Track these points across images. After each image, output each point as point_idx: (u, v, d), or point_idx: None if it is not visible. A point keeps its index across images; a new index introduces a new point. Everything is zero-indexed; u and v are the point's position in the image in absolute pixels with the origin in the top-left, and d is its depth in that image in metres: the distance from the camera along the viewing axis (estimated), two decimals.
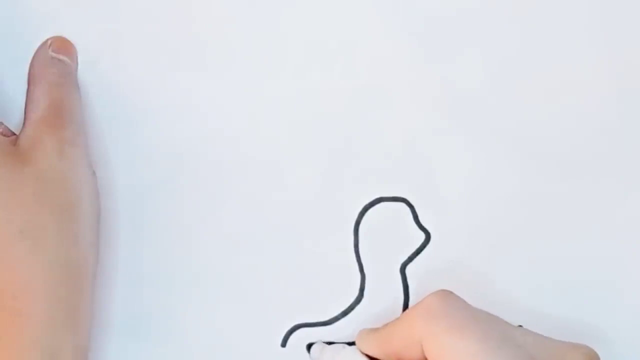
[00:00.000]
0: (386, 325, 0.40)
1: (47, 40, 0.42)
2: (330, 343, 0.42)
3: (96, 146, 0.42)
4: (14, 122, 0.41)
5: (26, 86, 0.41)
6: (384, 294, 0.43)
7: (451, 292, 0.39)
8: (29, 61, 0.41)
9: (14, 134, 0.40)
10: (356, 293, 0.43)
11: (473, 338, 0.37)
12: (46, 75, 0.41)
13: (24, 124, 0.40)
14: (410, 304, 0.43)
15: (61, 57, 0.42)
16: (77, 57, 0.43)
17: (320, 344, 0.42)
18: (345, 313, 0.43)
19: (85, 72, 0.43)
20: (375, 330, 0.41)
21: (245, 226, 0.43)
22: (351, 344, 0.42)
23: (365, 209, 0.43)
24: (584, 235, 0.43)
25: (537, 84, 0.43)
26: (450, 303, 0.38)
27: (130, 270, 0.42)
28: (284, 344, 0.42)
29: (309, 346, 0.42)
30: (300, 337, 0.42)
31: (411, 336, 0.38)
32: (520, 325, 0.40)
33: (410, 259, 0.43)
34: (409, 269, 0.43)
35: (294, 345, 0.42)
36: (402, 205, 0.43)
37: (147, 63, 0.43)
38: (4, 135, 0.40)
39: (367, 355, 0.40)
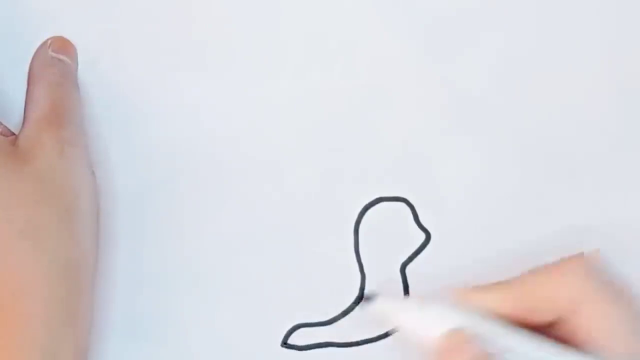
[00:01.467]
0: (521, 278, 0.37)
1: (47, 40, 0.42)
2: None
3: (96, 146, 0.42)
4: (13, 122, 0.41)
5: (26, 86, 0.41)
6: (384, 294, 0.43)
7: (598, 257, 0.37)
8: (29, 61, 0.41)
9: (14, 134, 0.40)
10: (356, 293, 0.43)
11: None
12: (46, 75, 0.41)
13: (23, 123, 0.40)
14: None
15: (61, 57, 0.42)
16: (77, 57, 0.43)
17: (386, 298, 0.39)
18: (345, 313, 0.43)
19: (85, 72, 0.43)
20: (498, 283, 0.37)
21: (245, 226, 0.43)
22: (350, 344, 0.42)
23: (365, 209, 0.43)
24: (583, 235, 0.43)
25: (538, 84, 0.43)
26: (603, 271, 0.36)
27: (130, 270, 0.42)
28: (284, 344, 0.42)
29: (366, 298, 0.40)
30: (300, 337, 0.42)
31: (561, 297, 0.35)
32: None
33: (411, 259, 0.43)
34: (409, 269, 0.43)
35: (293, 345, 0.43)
36: (402, 205, 0.43)
37: (147, 63, 0.43)
38: (4, 135, 0.40)
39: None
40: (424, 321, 0.38)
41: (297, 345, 0.42)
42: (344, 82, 0.44)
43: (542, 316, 0.37)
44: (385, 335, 0.42)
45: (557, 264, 0.37)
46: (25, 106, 0.40)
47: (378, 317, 0.40)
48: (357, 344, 0.42)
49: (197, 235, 0.43)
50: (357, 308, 0.42)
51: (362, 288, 0.43)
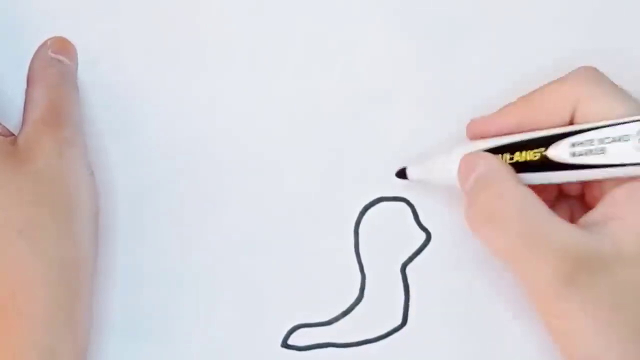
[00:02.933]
0: (526, 95, 0.40)
1: (47, 40, 0.42)
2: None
3: (95, 146, 0.42)
4: (13, 122, 0.41)
5: (25, 86, 0.41)
6: (384, 294, 0.43)
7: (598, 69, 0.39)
8: (29, 61, 0.41)
9: (13, 134, 0.40)
10: (356, 293, 0.43)
11: (632, 99, 0.37)
12: (45, 76, 0.41)
13: (22, 124, 0.40)
14: (411, 304, 0.43)
15: (61, 57, 0.42)
16: (76, 58, 0.43)
17: (415, 165, 0.42)
18: (345, 313, 0.43)
19: (85, 72, 0.43)
20: (507, 105, 0.40)
21: (245, 226, 0.43)
22: (350, 345, 0.42)
23: (366, 209, 0.43)
24: None
25: (538, 84, 0.42)
26: (603, 75, 0.39)
27: (129, 270, 0.42)
28: (284, 344, 0.42)
29: (401, 172, 0.42)
30: (300, 337, 0.42)
31: (566, 99, 0.38)
32: None
33: (411, 258, 0.43)
34: (409, 269, 0.43)
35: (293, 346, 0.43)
36: (403, 204, 0.43)
37: (147, 63, 0.44)
38: (3, 135, 0.40)
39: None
40: (450, 167, 0.40)
41: (297, 346, 0.42)
42: (344, 82, 0.44)
43: (554, 121, 0.38)
44: (386, 335, 0.42)
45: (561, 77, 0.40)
46: (24, 107, 0.40)
47: (414, 180, 0.42)
48: (357, 344, 0.42)
49: (197, 235, 0.43)
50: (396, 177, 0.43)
51: (362, 288, 0.43)
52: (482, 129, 0.41)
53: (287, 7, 0.44)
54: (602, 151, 0.36)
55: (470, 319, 0.42)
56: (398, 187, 0.43)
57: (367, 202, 0.43)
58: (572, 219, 0.40)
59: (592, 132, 0.37)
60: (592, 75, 0.39)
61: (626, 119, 0.36)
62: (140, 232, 0.42)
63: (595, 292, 0.36)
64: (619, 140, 0.36)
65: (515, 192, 0.38)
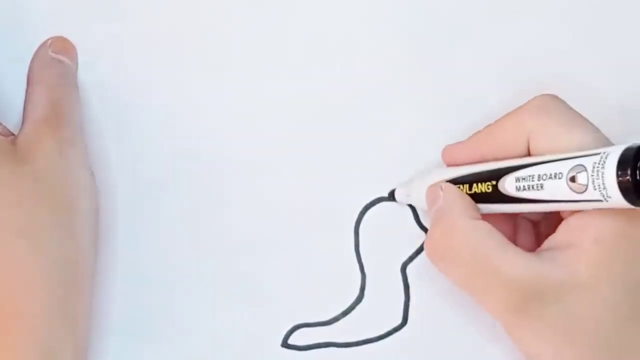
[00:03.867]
0: (488, 126, 0.40)
1: (47, 40, 0.42)
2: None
3: (96, 146, 0.42)
4: (13, 122, 0.41)
5: (26, 86, 0.41)
6: (384, 294, 0.43)
7: (557, 96, 0.39)
8: (29, 61, 0.41)
9: (13, 134, 0.40)
10: (357, 293, 0.43)
11: (586, 130, 0.37)
12: (46, 75, 0.41)
13: (23, 124, 0.40)
14: (411, 303, 0.43)
15: (61, 57, 0.42)
16: (77, 58, 0.43)
17: (402, 187, 0.43)
18: (345, 313, 0.43)
19: (85, 72, 0.43)
20: (474, 134, 0.41)
21: (245, 226, 0.43)
22: (350, 345, 0.42)
23: (366, 209, 0.43)
24: None
25: (538, 84, 0.42)
26: (559, 102, 0.39)
27: (129, 270, 0.42)
28: (284, 344, 0.42)
29: (392, 193, 0.43)
30: (301, 337, 0.42)
31: (519, 130, 0.38)
32: None
33: (411, 258, 0.43)
34: (409, 269, 0.43)
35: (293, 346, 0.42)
36: (403, 204, 0.43)
37: (147, 63, 0.43)
38: (3, 135, 0.40)
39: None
40: (423, 194, 0.41)
41: (297, 346, 0.42)
42: (344, 82, 0.44)
43: (512, 152, 0.39)
44: (386, 335, 0.42)
45: (517, 108, 0.40)
46: (24, 106, 0.40)
47: (402, 202, 0.43)
48: (357, 344, 0.42)
49: (197, 235, 0.43)
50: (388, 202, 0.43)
51: (362, 288, 0.43)
52: (453, 156, 0.42)
53: (286, 7, 0.44)
54: (541, 187, 0.37)
55: (470, 319, 0.42)
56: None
57: (367, 202, 0.43)
58: (540, 241, 0.40)
59: (533, 167, 0.37)
60: (546, 105, 0.39)
61: (558, 156, 0.36)
62: (140, 232, 0.42)
63: (548, 321, 0.37)
64: (554, 177, 0.36)
65: (467, 228, 0.38)
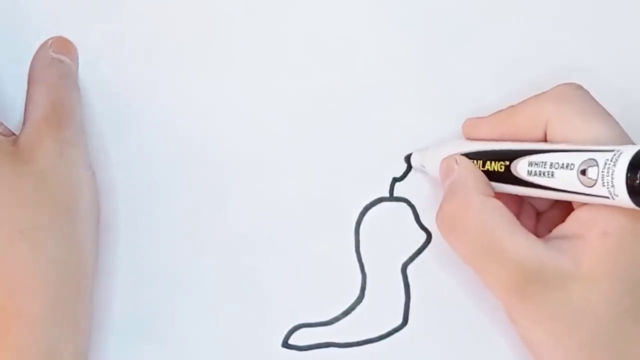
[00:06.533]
0: (511, 106, 0.40)
1: (48, 40, 0.42)
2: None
3: (96, 146, 0.42)
4: (14, 122, 0.41)
5: (26, 86, 0.41)
6: (385, 294, 0.43)
7: (581, 86, 0.39)
8: (29, 61, 0.41)
9: (14, 134, 0.40)
10: (357, 293, 0.43)
11: (605, 123, 0.37)
12: (46, 75, 0.41)
13: (23, 124, 0.40)
14: (412, 303, 0.43)
15: (62, 57, 0.42)
16: (77, 58, 0.43)
17: (418, 151, 0.43)
18: (346, 313, 0.43)
19: (85, 72, 0.43)
20: (496, 112, 0.41)
21: (245, 226, 0.43)
22: (351, 345, 0.42)
23: (366, 209, 0.43)
24: None
25: (538, 84, 0.42)
26: (582, 92, 0.39)
27: (130, 270, 0.42)
28: (284, 344, 0.42)
29: (408, 158, 0.43)
30: (301, 337, 0.42)
31: (538, 115, 0.39)
32: None
33: (412, 258, 0.43)
34: (410, 269, 0.43)
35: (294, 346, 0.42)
36: (403, 205, 0.43)
37: (147, 63, 0.44)
38: (4, 135, 0.40)
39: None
40: (438, 164, 0.42)
41: (297, 346, 0.42)
42: (344, 82, 0.44)
43: (529, 136, 0.39)
44: (386, 335, 0.42)
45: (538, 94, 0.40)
46: (25, 106, 0.40)
47: (417, 168, 0.43)
48: (358, 344, 0.42)
49: (197, 235, 0.43)
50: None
51: (363, 288, 0.43)
52: (473, 130, 0.42)
53: (286, 7, 0.44)
54: (552, 175, 0.37)
55: (471, 318, 0.42)
56: (398, 187, 0.43)
57: (367, 202, 0.43)
58: (539, 232, 0.40)
59: (547, 154, 0.37)
60: (567, 93, 0.39)
61: (572, 147, 0.37)
62: (140, 232, 0.42)
63: (550, 308, 0.37)
64: (566, 167, 0.36)
65: (479, 203, 0.39)
